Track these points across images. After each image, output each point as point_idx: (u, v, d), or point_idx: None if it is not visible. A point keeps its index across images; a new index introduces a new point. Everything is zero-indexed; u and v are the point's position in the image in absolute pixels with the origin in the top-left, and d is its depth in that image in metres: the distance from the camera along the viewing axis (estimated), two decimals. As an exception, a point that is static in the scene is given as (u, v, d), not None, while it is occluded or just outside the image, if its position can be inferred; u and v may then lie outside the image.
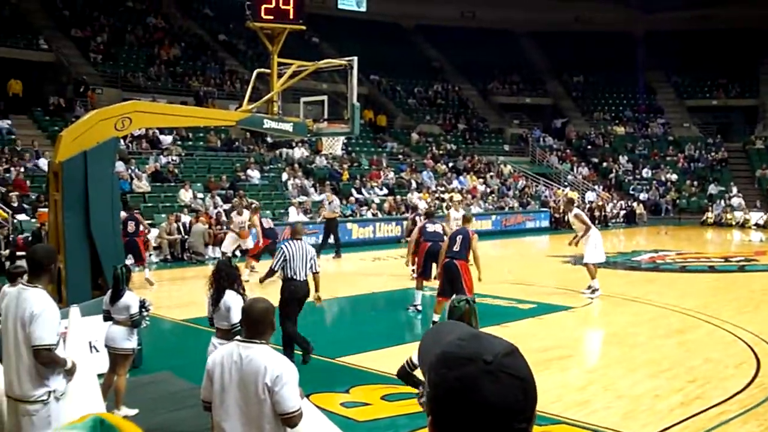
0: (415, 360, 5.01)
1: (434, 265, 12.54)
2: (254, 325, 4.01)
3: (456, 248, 11.10)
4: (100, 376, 7.65)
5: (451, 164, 34.77)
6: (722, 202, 36.01)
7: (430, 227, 13.17)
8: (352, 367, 9.37)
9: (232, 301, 6.58)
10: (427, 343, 1.63)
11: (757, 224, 33.47)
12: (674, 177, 39.14)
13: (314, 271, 9.45)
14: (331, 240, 21.49)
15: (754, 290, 16.02)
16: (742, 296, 15.13)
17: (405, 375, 5.08)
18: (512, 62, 45.54)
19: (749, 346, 10.38)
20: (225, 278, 6.71)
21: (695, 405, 7.76)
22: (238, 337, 4.13)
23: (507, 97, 44.93)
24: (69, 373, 4.77)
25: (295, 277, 9.24)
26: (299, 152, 29.52)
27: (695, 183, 38.45)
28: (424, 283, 12.97)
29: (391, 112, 39.32)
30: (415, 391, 5.03)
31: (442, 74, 44.91)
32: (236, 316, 6.32)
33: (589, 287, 14.64)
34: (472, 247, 11.19)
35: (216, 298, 6.66)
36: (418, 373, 4.88)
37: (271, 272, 9.54)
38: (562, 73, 46.47)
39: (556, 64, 46.39)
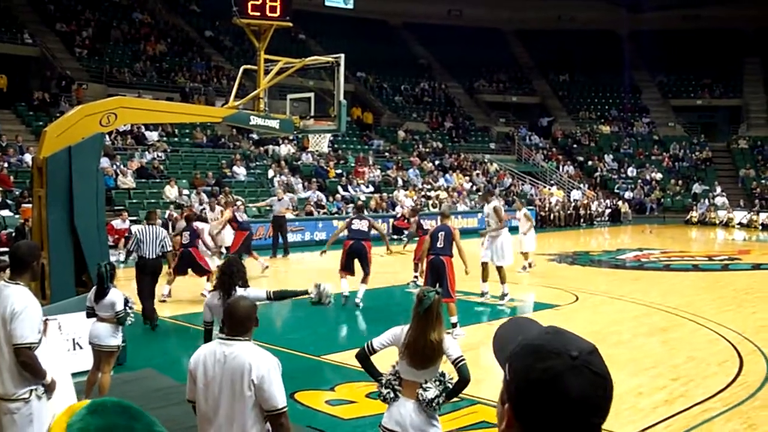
0: (376, 345, 5.00)
1: (356, 261, 13.22)
2: (239, 322, 3.99)
3: (440, 245, 11.16)
4: (84, 373, 7.63)
5: (437, 162, 34.81)
6: (706, 201, 36.25)
7: (356, 224, 13.40)
8: (337, 364, 9.37)
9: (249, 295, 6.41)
10: (506, 334, 1.65)
11: (740, 223, 33.73)
12: (659, 176, 39.35)
13: (165, 250, 11.39)
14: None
15: (738, 289, 16.14)
16: (726, 295, 15.24)
17: (363, 358, 5.05)
18: (499, 61, 45.63)
19: (732, 344, 10.47)
20: (236, 275, 6.54)
21: (678, 403, 7.82)
22: (219, 335, 4.11)
23: (493, 96, 45.00)
24: (48, 390, 4.68)
25: (145, 255, 11.10)
26: (285, 149, 29.46)
27: (680, 182, 38.68)
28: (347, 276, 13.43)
29: (377, 110, 39.30)
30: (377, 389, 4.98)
31: (429, 72, 44.93)
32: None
33: (502, 295, 13.76)
34: (456, 243, 11.23)
35: (227, 296, 6.36)
36: (402, 368, 4.88)
37: (128, 253, 11.18)
38: (548, 71, 46.60)
39: (542, 63, 46.52)
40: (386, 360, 5.11)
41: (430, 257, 11.25)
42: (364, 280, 13.16)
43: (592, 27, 44.59)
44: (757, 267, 20.00)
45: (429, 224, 17.71)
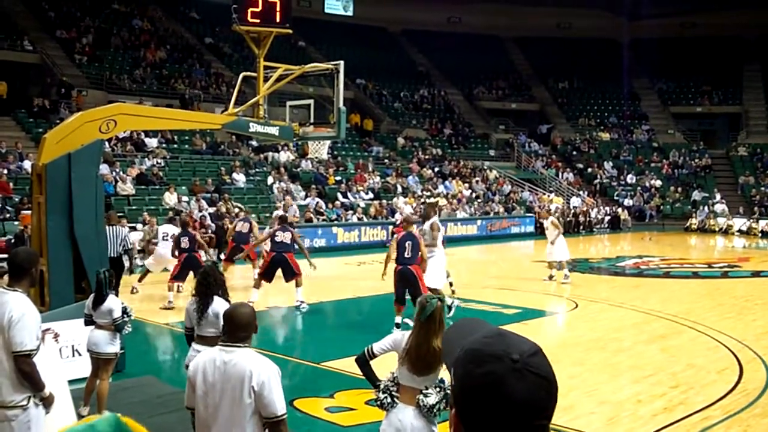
0: (376, 350, 4.99)
1: (280, 270, 13.40)
2: (239, 329, 3.98)
3: (407, 254, 11.29)
4: (82, 380, 7.61)
5: (436, 169, 34.82)
6: (706, 208, 36.24)
7: (279, 237, 13.53)
8: (336, 371, 9.35)
9: (221, 307, 6.17)
10: (450, 339, 1.67)
11: (740, 230, 33.71)
12: (658, 183, 39.35)
13: (127, 248, 12.09)
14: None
15: (737, 296, 16.12)
16: (725, 302, 15.22)
17: (362, 363, 5.05)
18: (498, 68, 45.72)
19: (732, 351, 10.45)
20: (214, 284, 6.41)
21: (678, 411, 7.80)
22: (219, 342, 4.10)
23: (493, 103, 45.07)
24: (47, 404, 4.65)
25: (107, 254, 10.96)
26: (285, 156, 29.47)
27: (679, 189, 38.68)
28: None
29: (377, 117, 39.34)
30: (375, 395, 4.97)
31: (428, 79, 45.01)
32: None
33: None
34: (422, 251, 11.31)
35: (204, 305, 6.31)
36: (396, 371, 4.87)
37: None
38: (547, 79, 46.67)
39: (541, 70, 46.59)
40: (384, 366, 5.10)
41: (399, 267, 11.40)
42: (297, 283, 13.42)
43: (591, 34, 44.68)
44: (757, 274, 19.98)
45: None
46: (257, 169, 27.82)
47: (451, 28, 45.15)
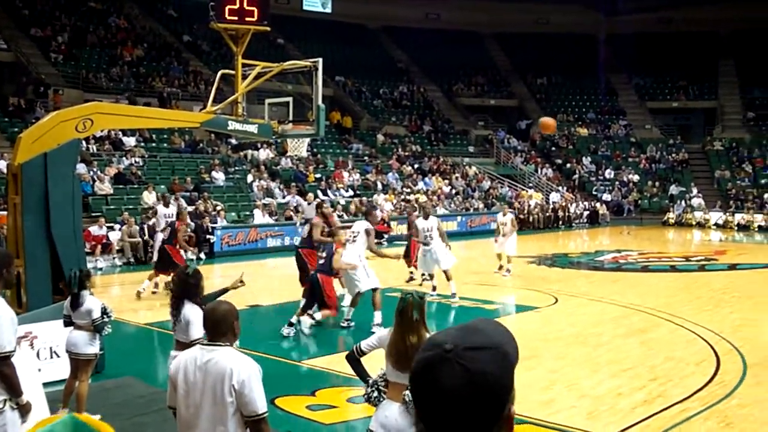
0: (363, 347, 5.08)
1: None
2: (216, 327, 3.97)
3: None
4: (61, 382, 7.56)
5: (416, 165, 34.85)
6: (683, 202, 36.56)
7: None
8: (317, 369, 9.36)
9: (192, 314, 5.98)
10: None
11: (716, 224, 34.06)
12: (636, 178, 39.64)
13: None
14: None
15: (714, 289, 16.31)
16: (703, 295, 15.39)
17: (353, 360, 5.17)
18: (477, 64, 45.81)
19: (709, 344, 10.57)
20: (181, 289, 6.16)
21: (657, 403, 7.88)
22: (201, 341, 4.09)
23: (472, 99, 45.17)
24: (24, 412, 4.58)
25: None
26: (264, 154, 29.38)
27: (656, 184, 38.98)
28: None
29: (356, 114, 39.30)
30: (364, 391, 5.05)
31: (407, 75, 45.01)
32: (196, 332, 5.83)
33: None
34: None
35: (175, 310, 6.11)
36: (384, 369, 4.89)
37: None
38: (526, 74, 46.81)
39: (520, 66, 46.73)
40: (376, 362, 5.12)
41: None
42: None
43: (569, 30, 44.85)
44: (733, 267, 20.21)
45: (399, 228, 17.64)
46: (236, 168, 27.71)
47: (430, 24, 45.17)
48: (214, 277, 16.94)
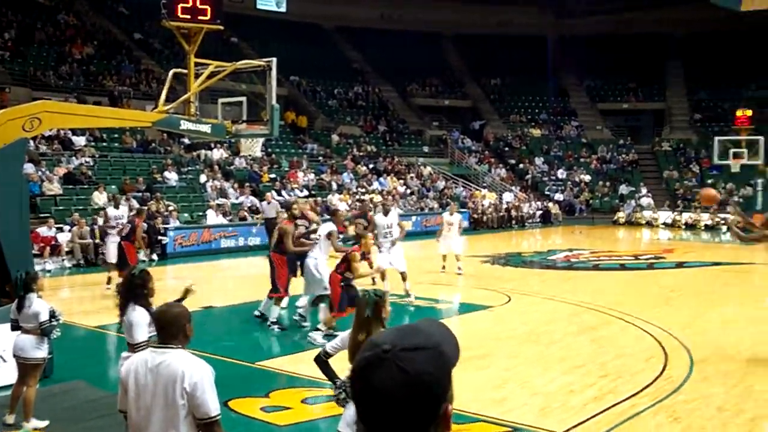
0: (329, 349, 5.10)
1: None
2: (167, 329, 3.93)
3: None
4: (8, 387, 7.41)
5: (371, 165, 34.89)
6: (633, 202, 37.22)
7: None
8: (272, 371, 9.31)
9: (135, 316, 5.83)
10: None
11: (665, 223, 34.73)
12: (587, 178, 40.24)
13: None
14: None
15: (663, 286, 16.63)
16: (651, 293, 15.69)
17: (321, 362, 5.19)
18: (432, 65, 46.02)
19: (658, 340, 10.78)
20: (127, 290, 6.01)
21: (608, 399, 8.02)
22: (150, 344, 4.05)
23: (426, 99, 45.39)
24: None
25: None
26: (218, 153, 29.13)
27: (607, 184, 39.62)
28: None
29: (311, 114, 39.19)
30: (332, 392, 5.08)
31: (362, 76, 45.03)
32: (140, 335, 5.74)
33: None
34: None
35: (121, 311, 5.98)
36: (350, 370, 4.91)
37: None
38: (480, 76, 47.19)
39: (474, 67, 47.09)
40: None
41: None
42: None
43: (523, 32, 45.31)
44: (680, 265, 20.63)
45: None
46: (190, 168, 27.42)
47: (384, 24, 45.22)
48: (167, 279, 16.76)
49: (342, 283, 10.56)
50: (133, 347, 5.74)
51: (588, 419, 7.37)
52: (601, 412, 7.60)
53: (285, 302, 11.86)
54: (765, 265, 21.09)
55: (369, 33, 44.06)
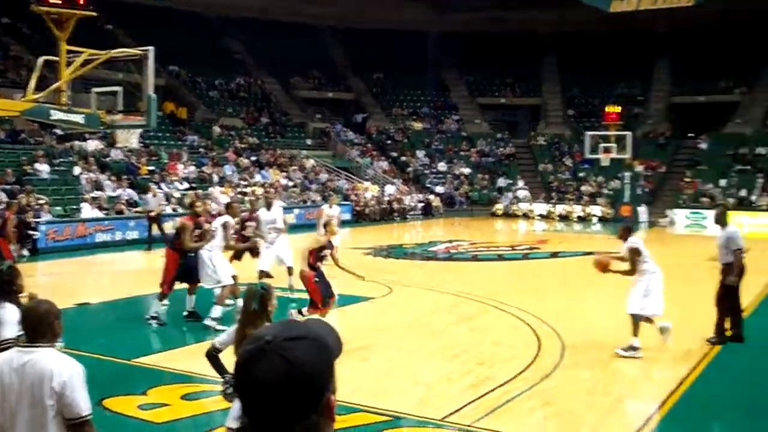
0: (217, 344, 5.10)
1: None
2: (34, 327, 3.80)
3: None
4: None
5: (253, 158, 34.51)
6: (510, 194, 38.40)
7: None
8: (149, 367, 9.11)
9: (4, 314, 5.47)
10: None
11: (540, 215, 36.06)
12: (467, 171, 41.21)
13: None
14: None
15: (538, 276, 17.30)
16: (527, 282, 16.28)
17: (211, 357, 5.18)
18: (315, 57, 45.88)
19: (532, 328, 11.21)
20: (5, 287, 5.61)
21: (484, 386, 8.29)
22: (19, 343, 3.91)
23: (309, 92, 45.27)
24: None
25: None
26: (93, 145, 28.07)
27: (486, 176, 40.72)
28: None
29: (191, 105, 38.35)
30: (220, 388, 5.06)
31: (244, 67, 44.41)
32: (8, 331, 5.40)
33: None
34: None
35: None
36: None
37: None
38: (362, 69, 47.45)
39: (357, 61, 47.27)
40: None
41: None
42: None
43: (405, 27, 45.84)
44: (554, 255, 21.48)
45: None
46: (62, 159, 26.29)
47: (267, 16, 44.71)
48: (38, 275, 16.08)
49: (316, 279, 10.37)
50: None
51: (465, 406, 7.60)
52: (478, 398, 7.85)
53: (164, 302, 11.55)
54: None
55: (251, 24, 43.47)
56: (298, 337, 1.52)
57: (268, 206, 14.38)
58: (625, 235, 10.13)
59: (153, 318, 11.18)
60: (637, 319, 9.61)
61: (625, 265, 9.88)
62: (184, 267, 11.44)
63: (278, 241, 13.78)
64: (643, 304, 9.62)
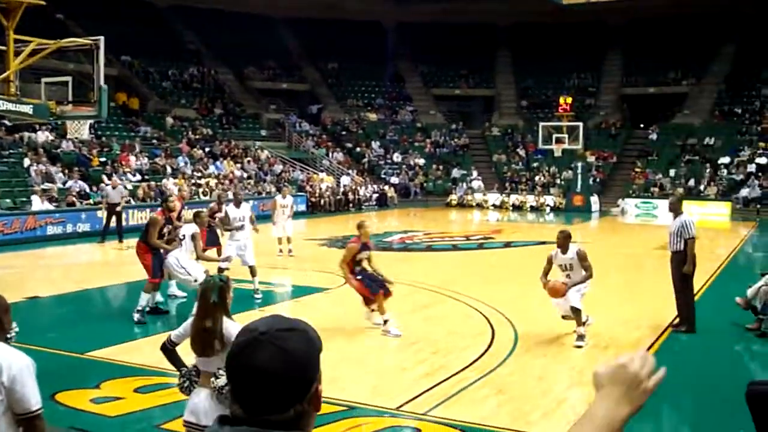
0: (173, 337, 5.08)
1: None
2: None
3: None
4: None
5: (207, 149, 34.23)
6: (464, 184, 38.72)
7: None
8: (102, 360, 9.03)
9: None
10: None
11: (494, 205, 36.46)
12: (422, 161, 41.43)
13: None
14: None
15: (492, 265, 17.51)
16: (481, 271, 16.47)
17: (166, 351, 5.14)
18: (269, 47, 45.60)
19: (486, 317, 11.37)
20: None
21: (439, 374, 8.39)
22: None
23: (264, 83, 45.02)
24: None
25: None
26: (43, 136, 27.56)
27: (440, 167, 40.98)
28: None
29: (144, 95, 37.85)
30: (175, 381, 5.06)
31: (197, 57, 43.91)
32: None
33: None
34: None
35: None
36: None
37: None
38: (317, 59, 47.31)
39: (312, 51, 47.13)
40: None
41: None
42: None
43: (360, 17, 45.80)
44: (508, 245, 21.75)
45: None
46: (11, 151, 25.76)
47: (221, 5, 44.24)
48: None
49: (359, 277, 10.39)
50: None
51: (419, 395, 7.69)
52: (432, 387, 7.95)
53: (157, 295, 11.41)
54: (583, 242, 22.58)
55: (204, 13, 43.01)
56: (290, 329, 1.62)
57: (237, 203, 14.01)
58: (566, 243, 10.08)
59: (138, 312, 10.98)
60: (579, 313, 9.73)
61: (579, 275, 9.86)
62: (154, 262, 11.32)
63: (242, 239, 13.41)
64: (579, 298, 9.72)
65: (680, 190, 32.97)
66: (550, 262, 9.99)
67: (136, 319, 10.91)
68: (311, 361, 1.62)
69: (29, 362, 3.73)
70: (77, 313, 12.02)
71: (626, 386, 1.60)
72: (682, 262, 10.48)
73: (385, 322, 10.32)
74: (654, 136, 40.23)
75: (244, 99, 43.37)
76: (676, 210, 11.00)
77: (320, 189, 34.02)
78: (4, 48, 11.31)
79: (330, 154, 40.30)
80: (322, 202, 33.21)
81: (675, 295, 10.71)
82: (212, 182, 29.44)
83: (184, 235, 11.24)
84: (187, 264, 11.12)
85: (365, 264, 10.62)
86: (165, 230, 11.31)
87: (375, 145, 42.55)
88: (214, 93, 41.89)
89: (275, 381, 1.56)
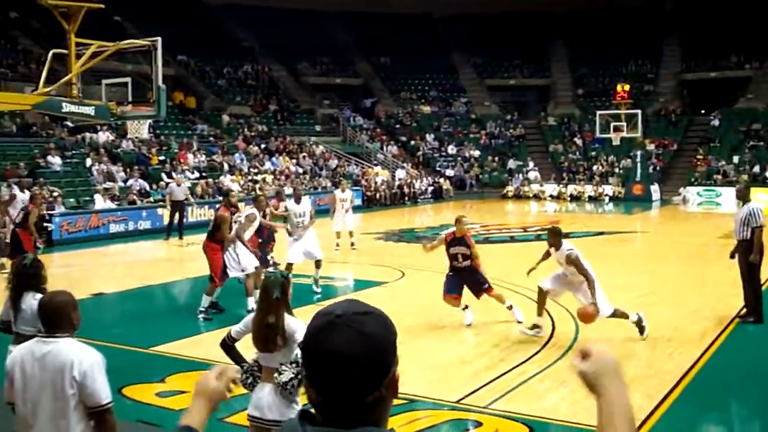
0: (233, 333, 5.12)
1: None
2: (52, 319, 3.87)
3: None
4: None
5: (263, 146, 34.58)
6: (520, 175, 38.34)
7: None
8: (167, 355, 9.21)
9: (31, 305, 5.46)
10: None
11: (551, 195, 36.02)
12: (477, 153, 41.15)
13: None
14: None
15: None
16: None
17: (226, 347, 5.18)
18: (322, 43, 45.82)
19: (545, 309, 11.21)
20: (20, 282, 5.67)
21: (499, 368, 8.34)
22: (38, 334, 3.97)
23: (317, 78, 45.23)
24: None
25: None
26: (104, 136, 28.20)
27: (496, 158, 40.65)
28: None
29: (200, 94, 38.43)
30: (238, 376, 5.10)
31: (251, 55, 44.38)
32: (32, 323, 5.36)
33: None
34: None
35: (15, 303, 5.65)
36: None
37: None
38: (370, 54, 47.34)
39: (364, 45, 47.18)
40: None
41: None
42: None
43: (410, 10, 45.67)
44: (566, 236, 21.35)
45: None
46: (74, 151, 26.43)
47: (273, 2, 44.60)
48: (55, 266, 16.19)
49: (450, 273, 10.67)
50: (28, 338, 5.46)
51: (480, 388, 7.65)
52: (493, 380, 7.91)
53: (217, 292, 11.55)
54: (643, 233, 22.20)
55: (256, 11, 43.40)
56: (366, 312, 1.60)
57: (297, 199, 13.62)
58: (556, 241, 9.85)
59: (202, 312, 11.14)
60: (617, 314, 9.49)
61: (579, 276, 9.56)
62: None
63: (306, 235, 13.20)
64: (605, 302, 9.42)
65: (745, 176, 32.08)
66: (547, 255, 9.94)
67: (201, 319, 11.06)
68: (389, 346, 1.59)
69: (99, 358, 3.82)
70: (141, 309, 12.27)
71: (613, 369, 1.78)
72: (749, 251, 10.21)
73: (466, 307, 10.56)
74: (716, 122, 39.21)
75: (298, 95, 43.67)
76: (744, 197, 10.73)
77: (375, 183, 34.07)
78: (66, 52, 11.55)
79: (384, 148, 40.31)
80: (377, 195, 33.26)
81: (742, 285, 10.44)
82: (268, 178, 29.72)
83: (241, 218, 11.49)
84: (240, 252, 11.29)
85: (460, 259, 10.59)
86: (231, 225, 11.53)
87: (429, 137, 42.40)
88: (268, 90, 42.27)
89: (353, 365, 1.53)
